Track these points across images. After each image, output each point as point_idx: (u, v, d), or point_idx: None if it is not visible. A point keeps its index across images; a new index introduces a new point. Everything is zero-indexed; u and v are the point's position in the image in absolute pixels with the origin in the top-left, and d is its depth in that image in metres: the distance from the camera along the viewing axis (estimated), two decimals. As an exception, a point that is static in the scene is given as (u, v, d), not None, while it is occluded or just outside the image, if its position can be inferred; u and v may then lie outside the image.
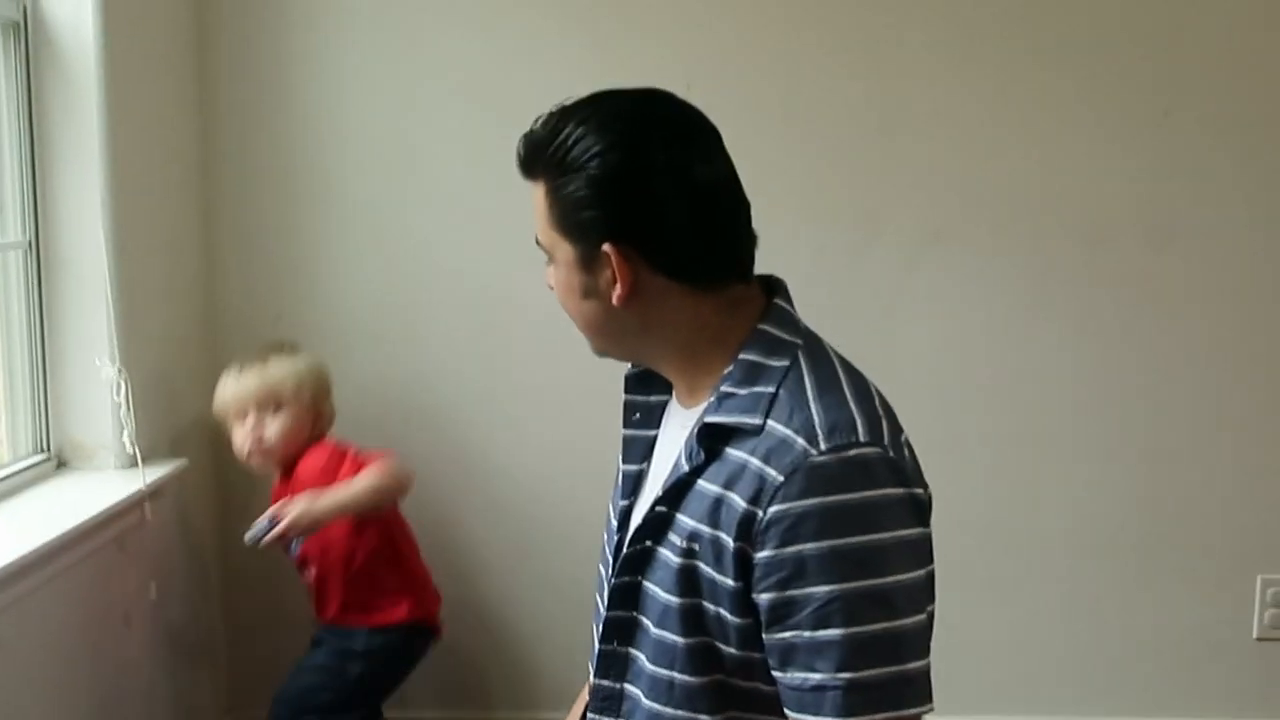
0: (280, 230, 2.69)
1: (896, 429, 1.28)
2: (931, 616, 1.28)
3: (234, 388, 2.34)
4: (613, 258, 1.26)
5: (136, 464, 2.25)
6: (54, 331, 2.24)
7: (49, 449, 2.29)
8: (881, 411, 1.27)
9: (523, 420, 2.72)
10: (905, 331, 2.68)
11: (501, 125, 2.58)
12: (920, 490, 1.26)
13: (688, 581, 1.26)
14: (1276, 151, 2.63)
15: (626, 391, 1.48)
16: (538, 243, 1.34)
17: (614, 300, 1.28)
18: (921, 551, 1.25)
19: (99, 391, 2.25)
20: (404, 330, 2.71)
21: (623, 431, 1.48)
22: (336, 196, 2.68)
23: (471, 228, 2.67)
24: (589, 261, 1.28)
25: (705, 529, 1.24)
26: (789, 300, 1.38)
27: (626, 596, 1.33)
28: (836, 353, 1.35)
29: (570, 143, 1.27)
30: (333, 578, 2.36)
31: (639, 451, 1.45)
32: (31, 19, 2.18)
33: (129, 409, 2.24)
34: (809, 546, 1.17)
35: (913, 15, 2.60)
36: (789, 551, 1.18)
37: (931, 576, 1.27)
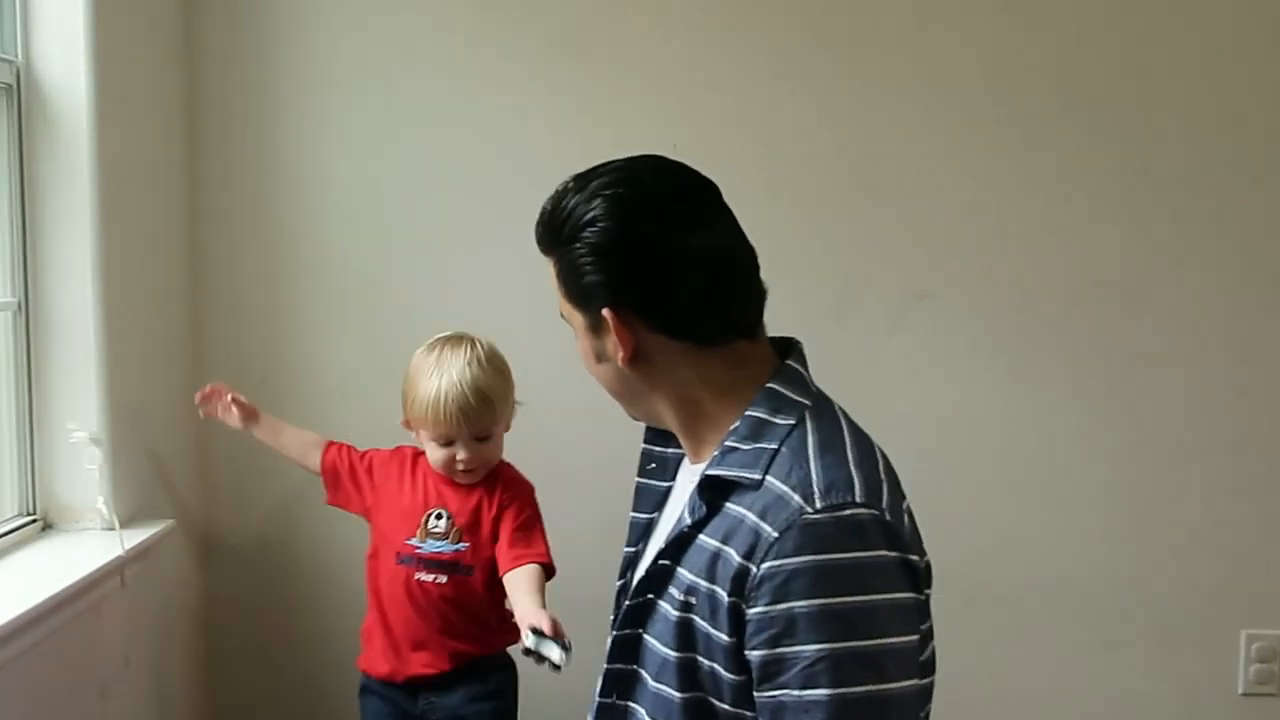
0: (266, 293, 2.70)
1: (898, 495, 1.29)
2: (930, 686, 1.27)
3: (472, 407, 2.14)
4: (610, 322, 1.30)
5: (114, 528, 2.23)
6: (41, 392, 2.24)
7: (35, 510, 2.27)
8: (883, 476, 1.28)
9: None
10: (888, 392, 2.69)
11: (487, 186, 2.66)
12: (916, 557, 1.26)
13: (684, 636, 1.27)
14: (1253, 212, 2.68)
15: (646, 441, 1.51)
16: (562, 315, 1.39)
17: (620, 362, 1.33)
18: (914, 618, 1.24)
19: (83, 453, 2.24)
20: (390, 392, 2.71)
21: (636, 479, 1.50)
22: (322, 259, 2.70)
23: (458, 289, 2.68)
24: (596, 327, 1.33)
25: (703, 583, 1.25)
26: (803, 362, 1.40)
27: (627, 649, 1.34)
28: (847, 416, 1.36)
29: (568, 214, 1.32)
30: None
31: (651, 501, 1.47)
32: (25, 82, 2.20)
33: (104, 474, 2.23)
34: (799, 604, 1.18)
35: (895, 80, 2.65)
36: (780, 608, 1.18)
37: (928, 645, 1.27)
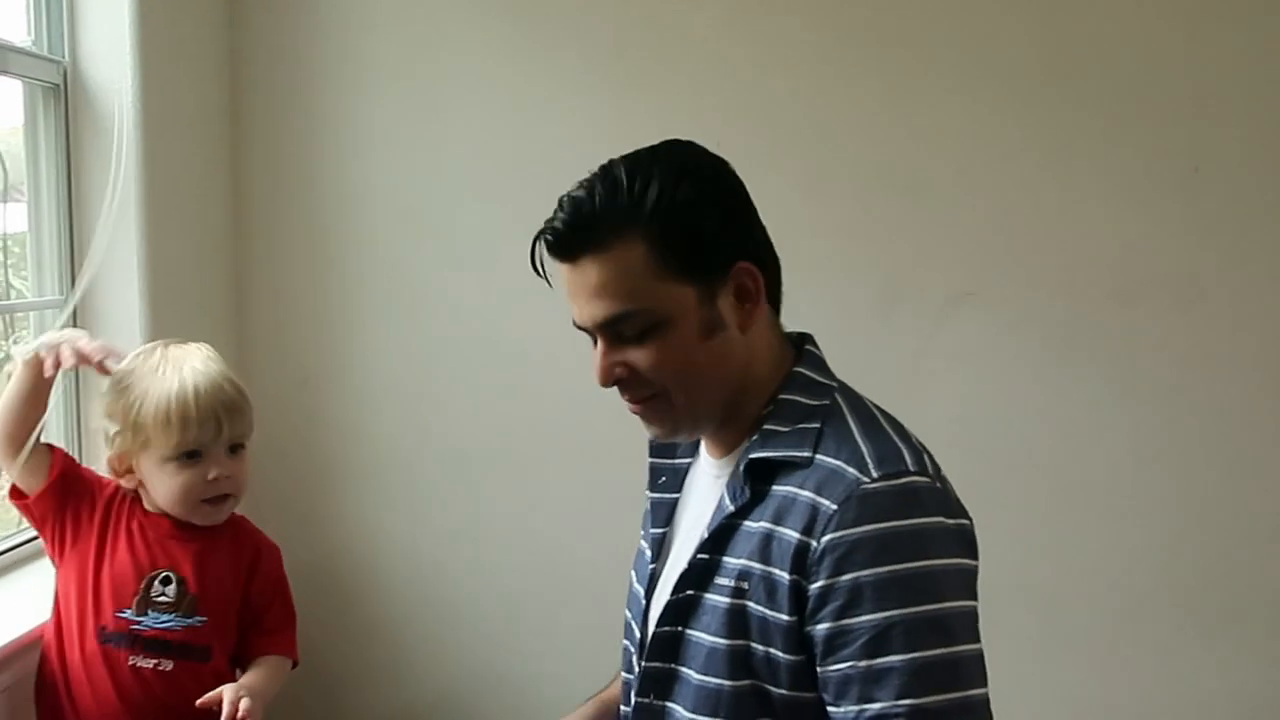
0: (309, 294, 2.71)
1: (938, 465, 1.30)
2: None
3: (230, 398, 1.79)
4: (752, 271, 1.30)
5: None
6: (87, 391, 2.26)
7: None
8: (922, 448, 1.30)
9: (551, 483, 2.71)
10: (930, 392, 2.66)
11: (529, 188, 2.65)
12: (968, 523, 1.27)
13: (736, 623, 1.25)
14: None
15: (651, 455, 1.49)
16: (613, 323, 1.29)
17: (742, 322, 1.30)
18: (972, 583, 1.25)
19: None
20: (432, 394, 2.72)
21: (649, 495, 1.49)
22: (365, 260, 2.71)
23: (499, 291, 2.68)
24: (711, 295, 1.29)
25: (756, 566, 1.24)
26: (818, 349, 1.42)
27: (667, 647, 1.32)
28: (867, 398, 1.38)
29: (672, 180, 1.27)
30: None
31: (664, 515, 1.46)
32: (71, 82, 2.23)
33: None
34: (864, 573, 1.18)
35: (939, 74, 2.62)
36: (844, 580, 1.18)
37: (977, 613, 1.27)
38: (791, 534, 1.22)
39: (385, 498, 2.72)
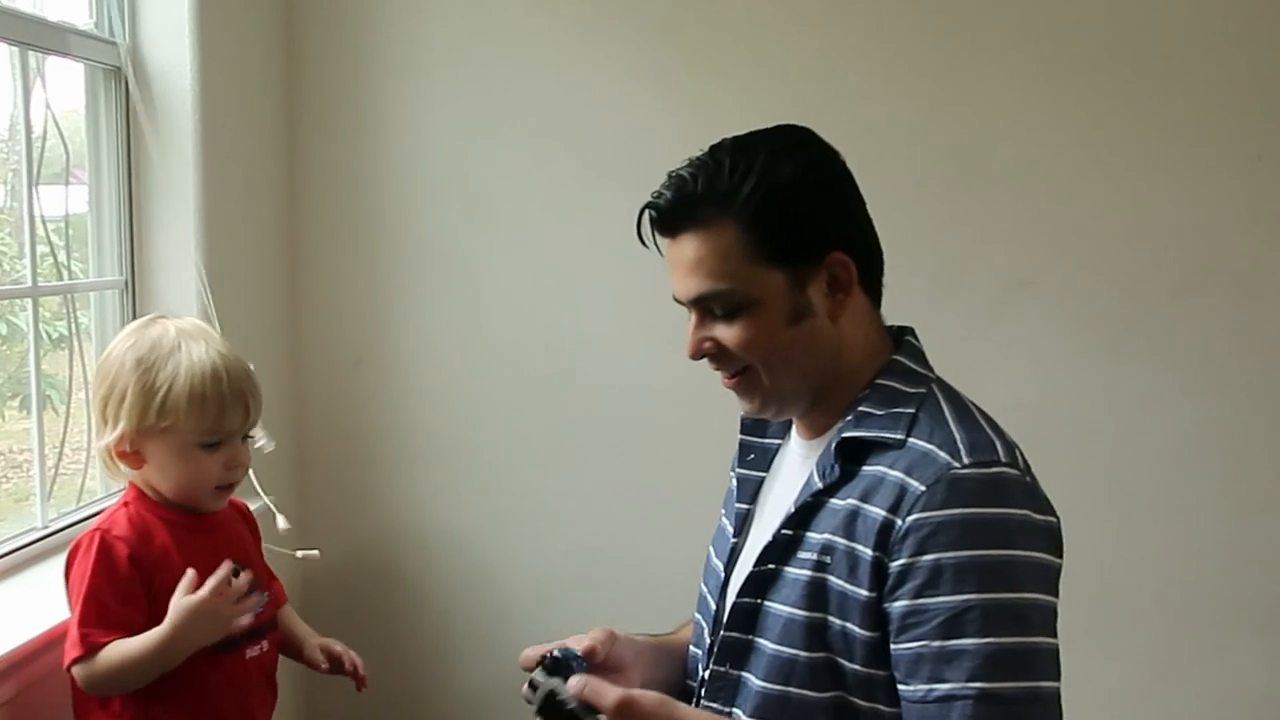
0: (362, 275, 2.73)
1: (1028, 462, 1.31)
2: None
3: (251, 382, 1.72)
4: (845, 261, 1.32)
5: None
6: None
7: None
8: (1014, 443, 1.31)
9: (602, 467, 2.72)
10: (986, 382, 2.58)
11: (582, 171, 2.66)
12: (1055, 520, 1.28)
13: (816, 596, 1.27)
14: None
15: (742, 432, 1.52)
16: (704, 300, 1.32)
17: (832, 312, 1.32)
18: (1054, 580, 1.25)
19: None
20: (484, 376, 2.73)
21: (737, 470, 1.51)
22: (418, 242, 2.72)
23: (552, 274, 2.68)
24: (802, 283, 1.31)
25: (840, 541, 1.26)
26: (917, 338, 1.44)
27: (746, 618, 1.34)
28: (963, 393, 1.40)
29: (771, 166, 1.29)
30: None
31: (749, 492, 1.48)
32: (131, 65, 2.25)
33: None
34: (946, 555, 1.19)
35: (995, 59, 2.58)
36: (926, 559, 1.19)
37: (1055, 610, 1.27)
38: (878, 511, 1.23)
39: (436, 477, 2.74)
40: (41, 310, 2.07)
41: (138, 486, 1.65)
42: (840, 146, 2.53)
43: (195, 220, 2.27)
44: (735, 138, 1.35)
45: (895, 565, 1.21)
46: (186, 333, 1.63)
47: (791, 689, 1.28)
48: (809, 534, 1.29)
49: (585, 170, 2.66)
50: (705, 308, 1.33)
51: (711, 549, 1.53)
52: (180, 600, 1.54)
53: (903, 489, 1.22)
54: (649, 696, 1.26)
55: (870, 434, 1.28)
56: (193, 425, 1.58)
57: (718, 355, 1.35)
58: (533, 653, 1.38)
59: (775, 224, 1.29)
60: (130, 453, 1.60)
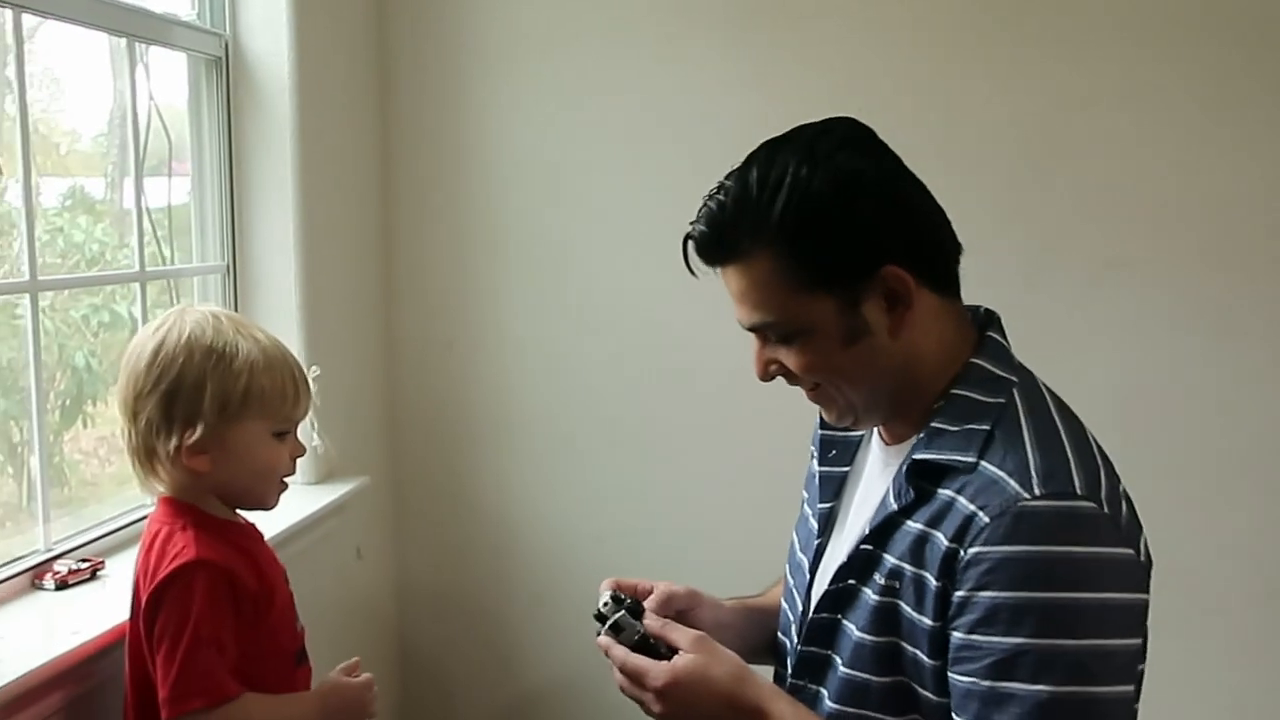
0: (454, 259, 2.77)
1: (1115, 482, 1.23)
2: (1137, 693, 1.21)
3: (304, 374, 1.64)
4: (899, 276, 1.22)
5: (327, 477, 2.36)
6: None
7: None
8: (1100, 463, 1.22)
9: (693, 451, 2.72)
10: (1078, 366, 2.58)
11: (675, 159, 2.66)
12: (1135, 551, 1.19)
13: (886, 620, 1.23)
14: None
15: (822, 427, 1.46)
16: (758, 329, 1.28)
17: (892, 327, 1.24)
18: (1130, 620, 1.18)
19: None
20: (574, 359, 2.75)
21: (819, 469, 1.46)
22: (509, 227, 2.75)
23: (642, 258, 2.69)
24: (854, 303, 1.23)
25: (908, 567, 1.22)
26: (1003, 333, 1.34)
27: (824, 633, 1.31)
28: (1052, 392, 1.31)
29: (804, 186, 1.20)
30: None
31: (832, 489, 1.43)
32: (232, 55, 2.31)
33: (317, 422, 2.30)
34: (1005, 595, 1.13)
35: (1085, 30, 2.53)
36: (984, 596, 1.14)
37: (1139, 648, 1.20)
38: (943, 539, 1.18)
39: (526, 460, 2.78)
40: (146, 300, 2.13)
41: (180, 502, 1.51)
42: (930, 125, 2.56)
43: (293, 206, 2.32)
44: (768, 144, 1.26)
45: (957, 596, 1.16)
46: (235, 320, 1.55)
47: (869, 712, 1.25)
48: (885, 555, 1.24)
49: (677, 155, 2.66)
50: (761, 334, 1.29)
51: (795, 538, 1.49)
52: (339, 682, 1.56)
53: (970, 518, 1.16)
54: (729, 655, 1.29)
55: (941, 456, 1.21)
56: (274, 412, 1.52)
57: (785, 374, 1.31)
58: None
59: (812, 249, 1.21)
60: (202, 451, 1.48)
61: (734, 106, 2.62)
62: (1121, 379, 2.58)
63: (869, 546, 1.26)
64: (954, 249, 1.31)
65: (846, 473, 1.42)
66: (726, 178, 1.26)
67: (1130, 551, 1.18)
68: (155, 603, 1.43)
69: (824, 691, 1.31)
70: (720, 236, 1.24)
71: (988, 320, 1.35)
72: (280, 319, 2.32)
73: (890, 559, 1.23)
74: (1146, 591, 1.20)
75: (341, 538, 2.42)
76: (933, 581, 1.18)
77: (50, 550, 1.81)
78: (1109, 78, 2.53)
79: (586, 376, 2.75)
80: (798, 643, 1.35)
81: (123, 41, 2.07)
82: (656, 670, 1.29)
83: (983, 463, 1.19)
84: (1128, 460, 2.56)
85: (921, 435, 1.25)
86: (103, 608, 1.65)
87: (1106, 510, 1.17)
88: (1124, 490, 1.23)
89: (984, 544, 1.14)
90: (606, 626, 1.35)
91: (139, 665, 1.48)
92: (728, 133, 2.61)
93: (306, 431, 2.26)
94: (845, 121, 1.30)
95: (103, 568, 1.80)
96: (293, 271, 2.33)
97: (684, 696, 1.28)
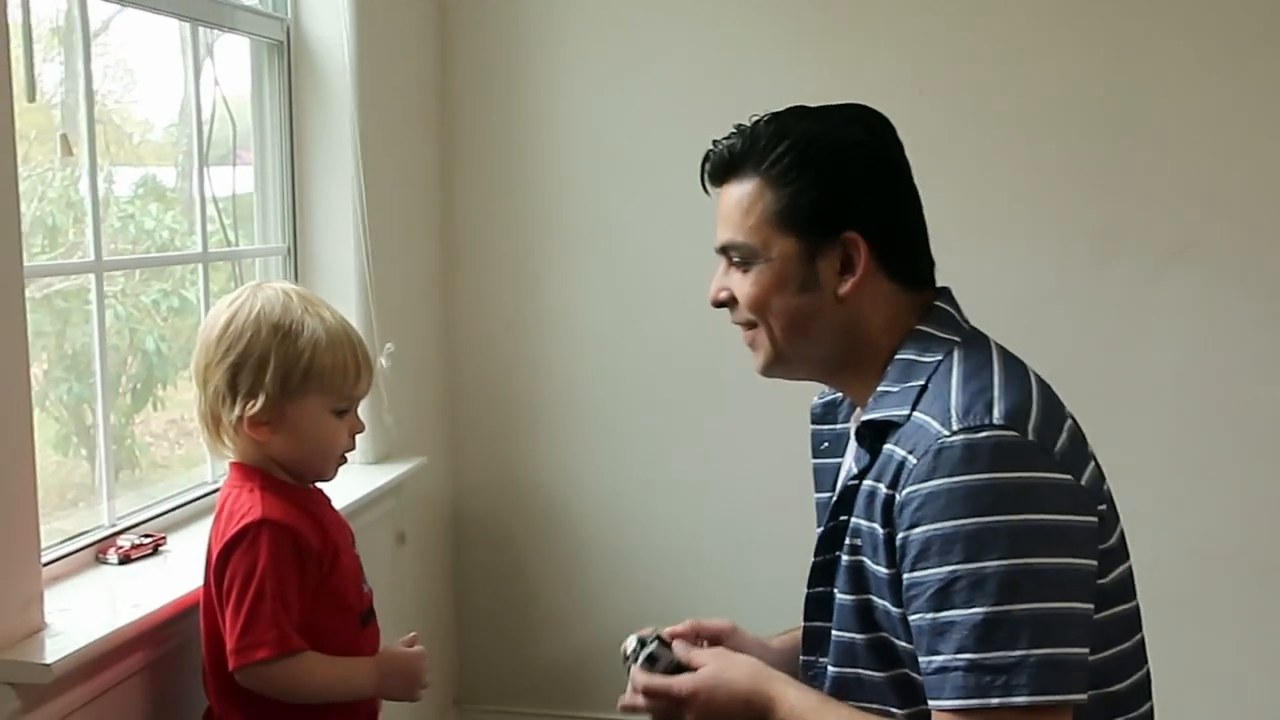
0: (512, 241, 2.78)
1: (1055, 417, 1.26)
2: (1112, 616, 1.24)
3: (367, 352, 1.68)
4: (859, 245, 1.31)
5: (386, 457, 2.38)
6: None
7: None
8: (1036, 398, 1.26)
9: (748, 435, 2.72)
10: (1147, 350, 2.54)
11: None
12: (1073, 477, 1.22)
13: (856, 579, 1.29)
14: None
15: (813, 422, 1.52)
16: (725, 250, 1.38)
17: (839, 291, 1.32)
18: (1067, 539, 1.19)
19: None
20: (632, 342, 2.76)
21: (814, 461, 1.52)
22: (568, 209, 2.75)
23: (698, 240, 2.67)
24: (814, 254, 1.32)
25: (864, 523, 1.27)
26: (953, 304, 1.39)
27: (818, 607, 1.37)
28: (1001, 348, 1.35)
29: (810, 138, 1.32)
30: None
31: (829, 479, 1.48)
32: (293, 39, 2.33)
33: (387, 398, 2.34)
34: (933, 527, 1.19)
35: (1157, 15, 2.48)
36: (916, 533, 1.20)
37: (1089, 570, 1.21)
38: (884, 489, 1.24)
39: (583, 441, 2.78)
40: (211, 284, 2.16)
41: (249, 466, 1.57)
42: (998, 108, 2.52)
43: (353, 188, 2.34)
44: (795, 107, 1.38)
45: (898, 540, 1.22)
46: (306, 298, 1.59)
47: (861, 670, 1.30)
48: (851, 519, 1.30)
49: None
50: (729, 258, 1.38)
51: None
52: (395, 651, 1.61)
53: (901, 464, 1.22)
54: (743, 658, 1.37)
55: (880, 415, 1.28)
56: (334, 390, 1.56)
57: (730, 305, 1.39)
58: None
59: (793, 191, 1.31)
60: (263, 422, 1.53)
61: (798, 80, 2.59)
62: (1187, 366, 2.53)
63: (841, 516, 1.32)
64: (922, 250, 1.39)
65: (839, 463, 1.47)
66: (760, 118, 1.38)
67: (1064, 476, 1.21)
68: (224, 559, 1.50)
69: (823, 660, 1.36)
70: (727, 161, 1.37)
71: (937, 295, 1.40)
72: (339, 301, 2.32)
73: (853, 520, 1.29)
74: (1088, 514, 1.22)
75: (398, 516, 2.44)
76: (880, 530, 1.24)
77: (114, 526, 1.85)
78: (1179, 58, 2.47)
79: (644, 359, 2.75)
80: (803, 620, 1.41)
81: (196, 37, 2.11)
82: (679, 683, 1.37)
83: (915, 413, 1.25)
84: (1191, 443, 2.54)
85: (871, 400, 1.32)
86: (164, 582, 1.68)
87: (1031, 438, 1.20)
88: (1071, 426, 1.27)
89: (912, 484, 1.21)
90: (641, 658, 1.42)
91: (212, 623, 1.54)
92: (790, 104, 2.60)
93: (377, 407, 2.30)
94: (867, 108, 1.40)
95: (164, 543, 1.83)
96: (352, 253, 2.35)
97: (708, 701, 1.35)
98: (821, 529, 1.36)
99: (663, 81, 2.69)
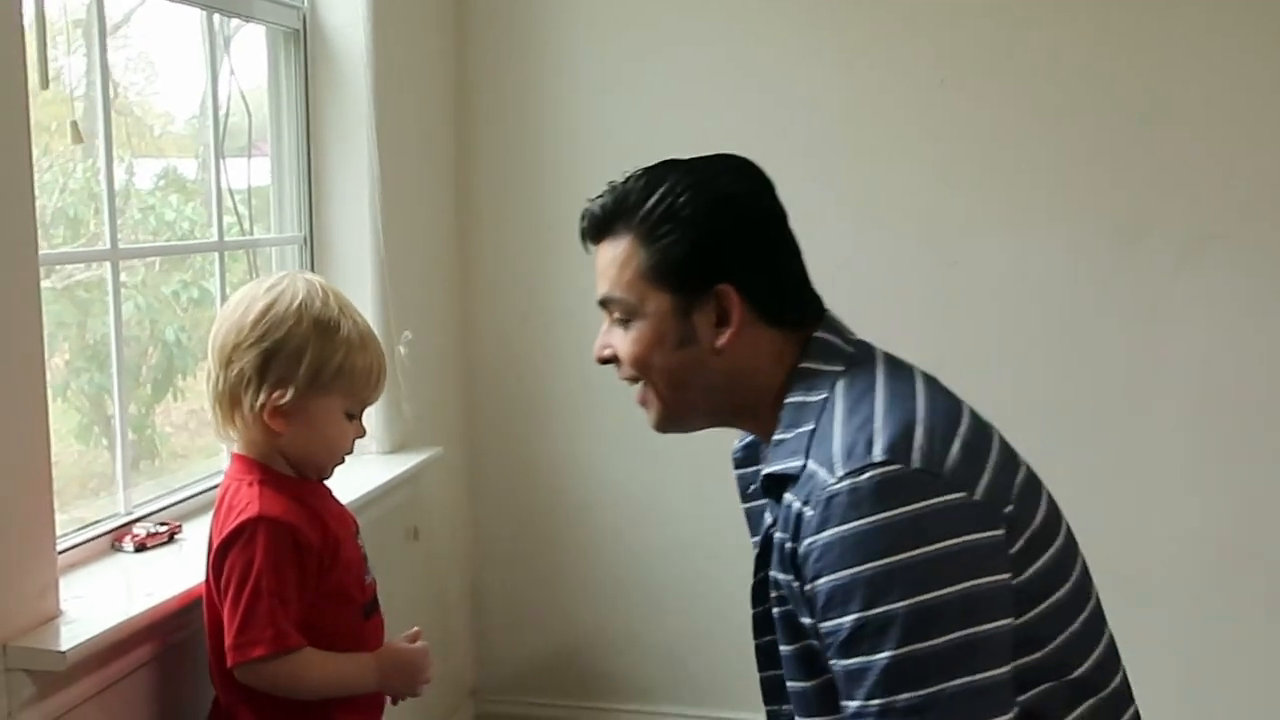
0: (529, 234, 2.76)
1: (940, 432, 1.23)
2: (1027, 621, 1.22)
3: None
4: (731, 297, 1.31)
5: (401, 447, 2.37)
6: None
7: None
8: (921, 417, 1.24)
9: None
10: (1170, 340, 2.51)
11: (753, 131, 2.63)
12: (967, 492, 1.20)
13: (791, 629, 1.29)
14: None
15: (736, 467, 1.52)
16: (605, 304, 1.39)
17: (716, 344, 1.33)
18: (970, 562, 1.18)
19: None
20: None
21: (742, 505, 1.52)
22: (583, 201, 2.72)
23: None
24: (688, 309, 1.33)
25: (781, 576, 1.28)
26: (831, 326, 1.38)
27: (767, 657, 1.38)
28: (888, 360, 1.35)
29: (677, 193, 1.33)
30: None
31: (758, 524, 1.46)
32: (310, 26, 2.33)
33: (404, 388, 2.33)
34: (832, 578, 1.18)
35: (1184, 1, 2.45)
36: (820, 584, 1.20)
37: (998, 585, 1.19)
38: (789, 541, 1.24)
39: (599, 432, 2.77)
40: (228, 275, 2.16)
41: (250, 459, 1.56)
42: (1020, 95, 2.49)
43: (370, 177, 2.33)
44: (666, 160, 1.40)
45: (806, 590, 1.22)
46: (339, 297, 1.59)
47: (817, 717, 1.29)
48: (771, 571, 1.31)
49: (747, 131, 2.63)
50: (610, 313, 1.39)
51: None
52: (396, 647, 1.61)
53: (799, 516, 1.22)
54: None
55: (777, 468, 1.28)
56: (356, 392, 1.57)
57: (614, 362, 1.41)
58: None
59: (663, 246, 1.32)
60: (284, 413, 1.52)
61: (826, 77, 2.58)
62: (1212, 357, 2.50)
63: (763, 571, 1.33)
64: (799, 293, 1.38)
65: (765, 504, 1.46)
66: (643, 170, 1.40)
67: (955, 496, 1.19)
68: (221, 555, 1.50)
69: (785, 709, 1.37)
70: (599, 219, 1.39)
71: (818, 319, 1.39)
72: (357, 290, 2.34)
73: (772, 573, 1.30)
74: (987, 529, 1.20)
75: (414, 507, 2.44)
76: (795, 583, 1.25)
77: (130, 514, 1.85)
78: (1206, 43, 2.44)
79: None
80: (757, 671, 1.42)
81: (213, 26, 2.10)
82: None
83: (808, 462, 1.24)
84: (1217, 438, 2.51)
85: (770, 449, 1.33)
86: (178, 571, 1.68)
87: (917, 464, 1.19)
88: (966, 432, 1.25)
89: (809, 536, 1.21)
90: None
91: (215, 616, 1.53)
92: (813, 99, 2.59)
93: (394, 396, 2.31)
94: (737, 157, 1.42)
95: (180, 531, 1.83)
96: (369, 242, 2.35)
97: None
98: (753, 580, 1.37)
99: (681, 72, 2.67)
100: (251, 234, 2.29)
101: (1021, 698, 1.20)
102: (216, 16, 2.13)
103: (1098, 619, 1.32)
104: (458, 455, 2.78)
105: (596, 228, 1.40)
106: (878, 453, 1.19)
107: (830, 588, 1.18)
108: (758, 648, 1.39)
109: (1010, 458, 1.29)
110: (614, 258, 1.36)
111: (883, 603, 1.15)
